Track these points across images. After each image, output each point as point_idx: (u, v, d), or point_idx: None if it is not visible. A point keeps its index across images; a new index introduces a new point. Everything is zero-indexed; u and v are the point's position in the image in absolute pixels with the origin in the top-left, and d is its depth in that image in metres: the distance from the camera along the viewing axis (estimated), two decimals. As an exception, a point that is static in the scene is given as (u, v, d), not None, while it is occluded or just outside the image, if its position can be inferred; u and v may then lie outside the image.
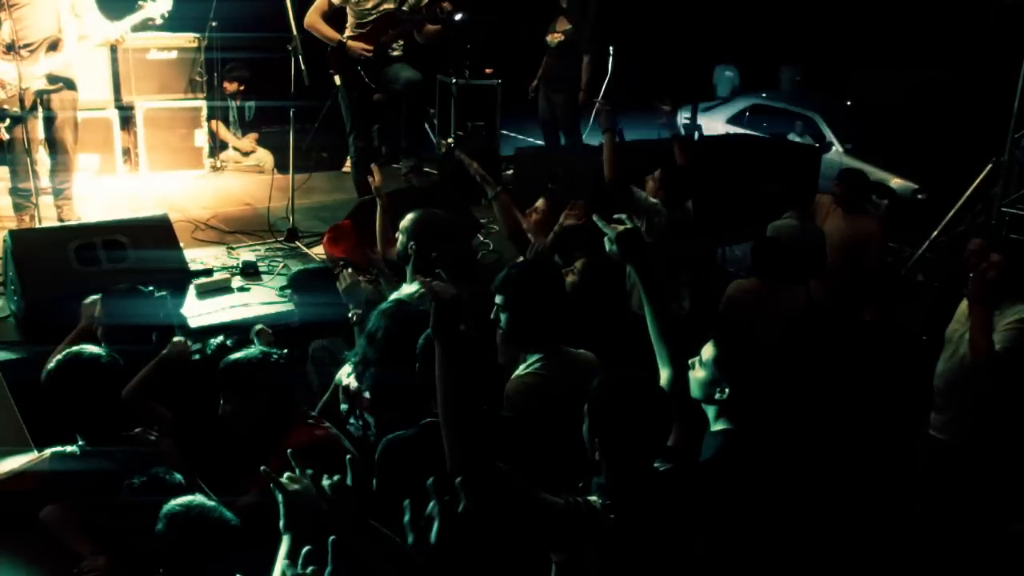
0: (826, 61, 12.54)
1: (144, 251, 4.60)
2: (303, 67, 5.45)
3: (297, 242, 5.63)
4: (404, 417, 2.83)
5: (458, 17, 5.79)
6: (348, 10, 5.85)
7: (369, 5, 5.78)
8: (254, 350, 3.04)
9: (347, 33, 5.86)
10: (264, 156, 7.62)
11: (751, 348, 2.75)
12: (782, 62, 13.50)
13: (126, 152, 7.14)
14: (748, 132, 9.09)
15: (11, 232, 4.65)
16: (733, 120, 10.09)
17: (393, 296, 3.72)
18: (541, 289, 3.07)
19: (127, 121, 7.07)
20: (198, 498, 2.46)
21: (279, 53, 5.78)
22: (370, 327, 3.16)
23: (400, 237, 3.94)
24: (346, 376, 3.35)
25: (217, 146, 7.45)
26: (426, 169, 6.60)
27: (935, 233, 6.96)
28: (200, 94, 7.23)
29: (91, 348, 3.12)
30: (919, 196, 8.42)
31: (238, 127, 7.78)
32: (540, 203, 4.46)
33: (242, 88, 7.75)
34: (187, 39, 7.14)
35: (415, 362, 2.77)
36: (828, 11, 12.52)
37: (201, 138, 7.23)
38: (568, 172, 5.58)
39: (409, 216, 3.95)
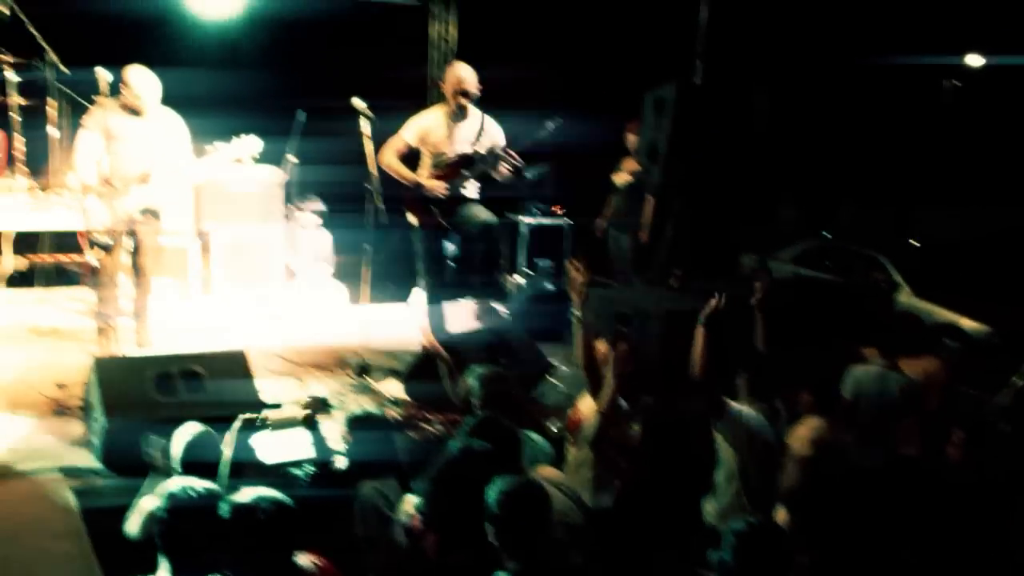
0: (887, 198, 12.56)
1: (220, 382, 4.70)
2: (380, 205, 5.62)
3: (367, 377, 5.68)
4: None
5: (530, 175, 5.94)
6: (424, 151, 6.04)
7: (445, 147, 5.98)
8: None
9: (423, 173, 6.04)
10: (337, 287, 7.77)
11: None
12: (842, 198, 13.54)
13: (202, 279, 7.35)
14: (815, 274, 9.04)
15: (97, 360, 4.79)
16: (797, 261, 10.07)
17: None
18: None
19: (204, 248, 7.32)
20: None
21: (355, 188, 5.98)
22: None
23: (469, 384, 4.00)
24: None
25: (291, 277, 7.64)
26: (495, 306, 6.68)
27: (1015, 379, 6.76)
28: (276, 225, 7.47)
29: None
30: (994, 340, 8.24)
31: (312, 258, 7.98)
32: (607, 346, 4.47)
33: (317, 221, 7.99)
34: (267, 172, 7.43)
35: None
36: (889, 147, 12.60)
37: (276, 268, 7.43)
38: (638, 316, 5.60)
39: (479, 373, 4.03)
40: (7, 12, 7.17)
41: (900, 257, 9.51)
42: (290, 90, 8.72)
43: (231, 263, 7.32)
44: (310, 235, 7.93)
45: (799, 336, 5.72)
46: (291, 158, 7.42)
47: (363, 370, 5.73)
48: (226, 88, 8.22)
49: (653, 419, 4.01)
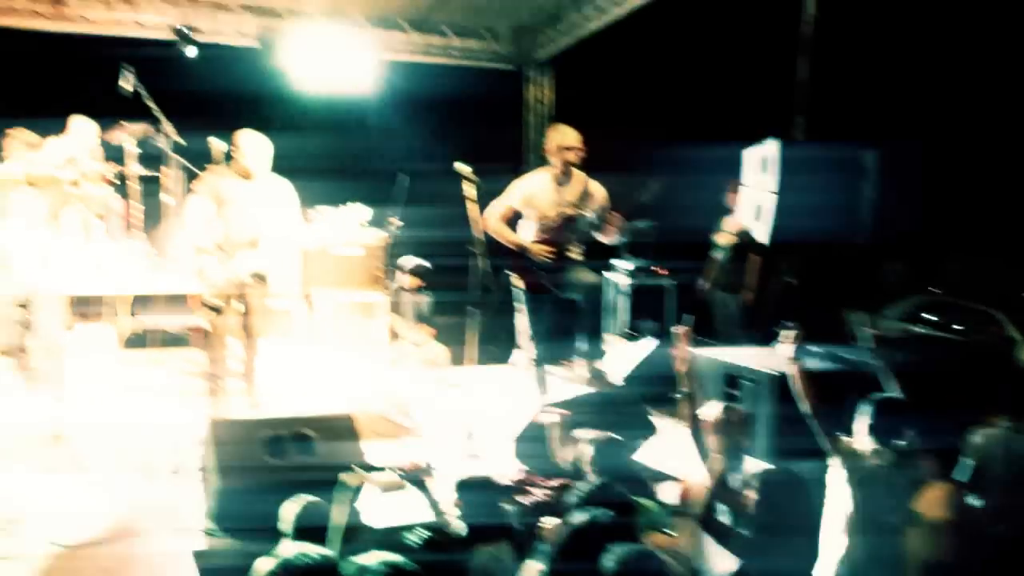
0: (998, 248, 12.07)
1: (330, 445, 4.73)
2: (485, 268, 5.65)
3: (472, 441, 5.66)
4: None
5: (633, 236, 5.92)
6: (528, 213, 6.07)
7: (550, 210, 5.99)
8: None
9: (527, 236, 6.06)
10: (438, 350, 7.81)
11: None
12: (949, 250, 13.07)
13: (307, 341, 7.47)
14: (928, 332, 8.72)
15: (211, 421, 4.89)
16: (907, 318, 9.72)
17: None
18: None
19: (310, 311, 7.46)
20: None
21: (458, 251, 6.03)
22: None
23: (580, 449, 3.94)
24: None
25: (394, 339, 7.71)
26: (601, 370, 6.61)
27: None
28: (379, 288, 7.58)
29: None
30: None
31: (414, 320, 8.05)
32: (714, 410, 4.36)
33: (420, 283, 8.07)
34: (371, 235, 7.56)
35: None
36: (998, 195, 12.15)
37: (379, 330, 7.52)
38: (747, 379, 5.48)
39: (591, 438, 3.97)
40: (130, 88, 7.53)
41: (1016, 312, 9.11)
42: (392, 155, 8.92)
43: (336, 325, 7.44)
44: (413, 298, 8.02)
45: (914, 397, 5.50)
46: (394, 221, 7.54)
47: (470, 434, 5.70)
48: (330, 154, 8.45)
49: (767, 485, 3.89)
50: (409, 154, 9.16)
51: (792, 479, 3.81)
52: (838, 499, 3.79)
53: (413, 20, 10.25)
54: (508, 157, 10.43)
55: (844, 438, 3.98)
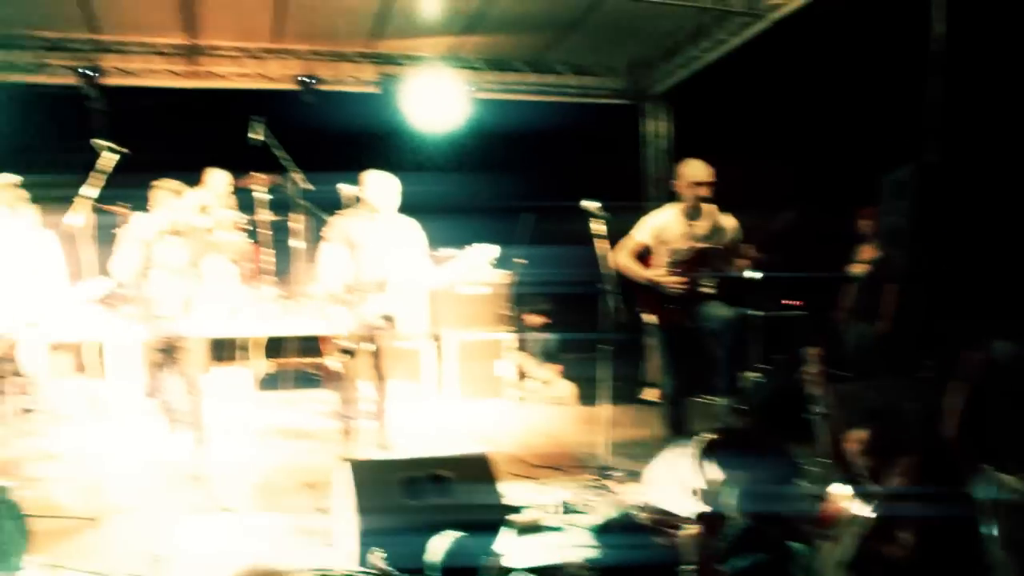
0: None
1: (466, 486, 4.68)
2: (619, 305, 5.55)
3: (607, 480, 5.54)
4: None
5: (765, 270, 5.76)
6: (658, 249, 5.96)
7: (682, 244, 5.88)
8: None
9: (658, 271, 5.95)
10: (565, 388, 7.74)
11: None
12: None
13: (436, 381, 7.51)
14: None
15: (349, 461, 4.90)
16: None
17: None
18: None
19: (438, 351, 7.50)
20: None
21: (584, 288, 5.95)
22: None
23: (723, 489, 3.80)
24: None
25: (521, 377, 7.69)
26: (738, 404, 6.42)
27: None
28: (506, 327, 7.57)
29: None
30: None
31: (541, 359, 8.00)
32: (859, 435, 4.16)
33: (545, 321, 8.04)
34: (496, 275, 7.58)
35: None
36: None
37: (506, 369, 7.50)
38: (889, 411, 5.21)
39: (736, 476, 3.82)
40: (260, 138, 7.78)
41: None
42: (511, 193, 8.94)
43: (463, 365, 7.45)
44: (538, 336, 7.99)
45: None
46: (519, 261, 7.54)
47: (605, 472, 5.58)
48: (452, 193, 8.53)
49: (927, 529, 3.66)
50: (528, 192, 9.18)
51: (952, 525, 3.57)
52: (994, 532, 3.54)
53: (529, 60, 10.33)
54: (627, 193, 10.33)
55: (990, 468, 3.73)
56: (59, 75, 9.33)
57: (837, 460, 4.03)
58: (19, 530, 3.97)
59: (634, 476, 5.63)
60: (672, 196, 6.13)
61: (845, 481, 3.98)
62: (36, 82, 9.39)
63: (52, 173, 6.41)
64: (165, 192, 5.63)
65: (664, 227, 5.89)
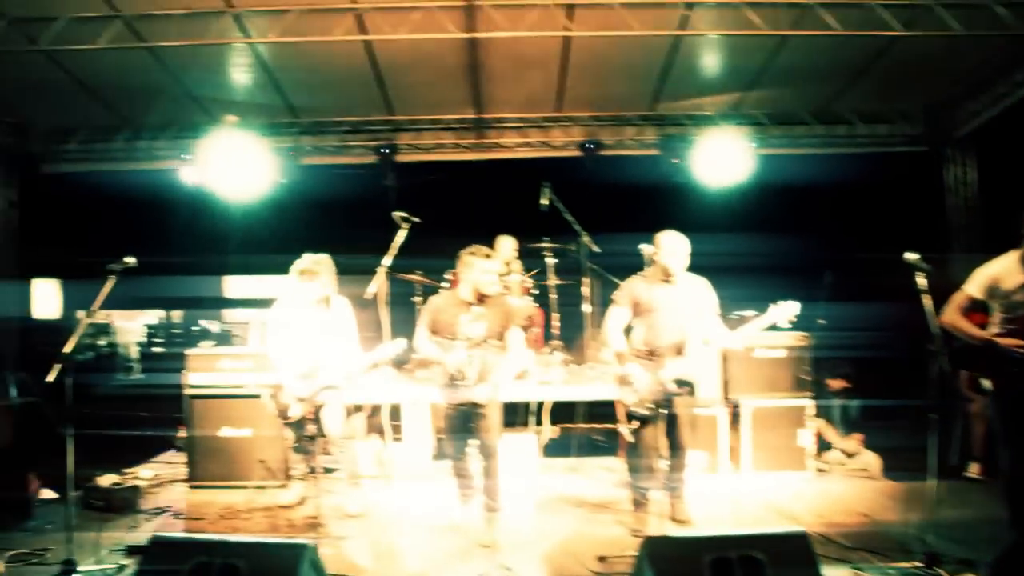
0: None
1: (782, 571, 4.28)
2: (946, 368, 4.97)
3: (939, 568, 4.90)
4: None
5: None
6: (993, 304, 5.28)
7: (1020, 297, 5.16)
8: None
9: (992, 330, 5.26)
10: (870, 459, 7.08)
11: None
12: None
13: (731, 450, 7.12)
14: None
15: (648, 539, 4.65)
16: None
17: None
18: None
19: (733, 419, 7.12)
20: None
21: (883, 351, 5.38)
22: None
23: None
24: None
25: (821, 447, 7.15)
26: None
27: None
28: (805, 392, 7.07)
29: None
30: None
31: (843, 427, 7.40)
32: None
33: (847, 386, 7.45)
34: (795, 337, 7.12)
35: None
36: None
37: (806, 438, 6.99)
38: None
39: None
40: (547, 202, 7.87)
41: None
42: (800, 249, 8.49)
43: (757, 434, 7.02)
44: (841, 402, 7.40)
45: None
46: (821, 321, 7.06)
47: (933, 559, 4.95)
48: (742, 252, 8.18)
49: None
50: (819, 248, 8.67)
51: None
52: None
53: (815, 111, 9.88)
54: (928, 246, 9.51)
55: None
56: (360, 155, 10.06)
57: None
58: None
59: (967, 564, 4.96)
60: (989, 245, 5.41)
61: None
62: (339, 163, 10.19)
63: (348, 245, 6.77)
64: (477, 258, 5.74)
65: (1000, 278, 5.18)
